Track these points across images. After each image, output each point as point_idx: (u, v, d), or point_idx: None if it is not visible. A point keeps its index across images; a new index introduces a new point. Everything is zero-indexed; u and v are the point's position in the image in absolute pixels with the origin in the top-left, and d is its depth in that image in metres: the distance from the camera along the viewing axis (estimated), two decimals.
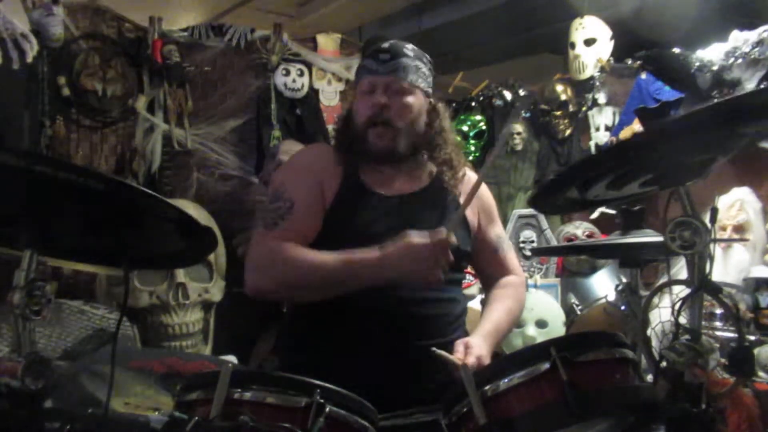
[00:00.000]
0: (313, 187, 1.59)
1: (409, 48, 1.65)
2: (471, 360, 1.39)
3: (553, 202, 1.43)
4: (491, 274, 1.76)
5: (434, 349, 1.38)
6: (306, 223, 1.55)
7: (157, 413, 1.47)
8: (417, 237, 1.40)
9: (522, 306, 1.75)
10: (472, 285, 3.28)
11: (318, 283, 1.47)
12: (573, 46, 3.80)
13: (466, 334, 1.68)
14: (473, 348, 1.43)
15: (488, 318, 1.61)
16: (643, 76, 3.54)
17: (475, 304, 2.64)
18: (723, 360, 1.27)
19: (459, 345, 1.44)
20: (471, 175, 1.75)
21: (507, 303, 1.68)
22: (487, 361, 1.43)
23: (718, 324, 2.10)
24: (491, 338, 1.52)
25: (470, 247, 1.69)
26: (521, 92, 4.13)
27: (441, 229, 1.40)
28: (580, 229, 3.57)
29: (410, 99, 1.61)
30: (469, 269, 1.99)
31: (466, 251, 1.66)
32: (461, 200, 1.67)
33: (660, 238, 1.34)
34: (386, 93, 1.59)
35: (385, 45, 1.64)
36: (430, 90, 1.68)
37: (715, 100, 1.11)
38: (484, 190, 1.76)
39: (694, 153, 1.21)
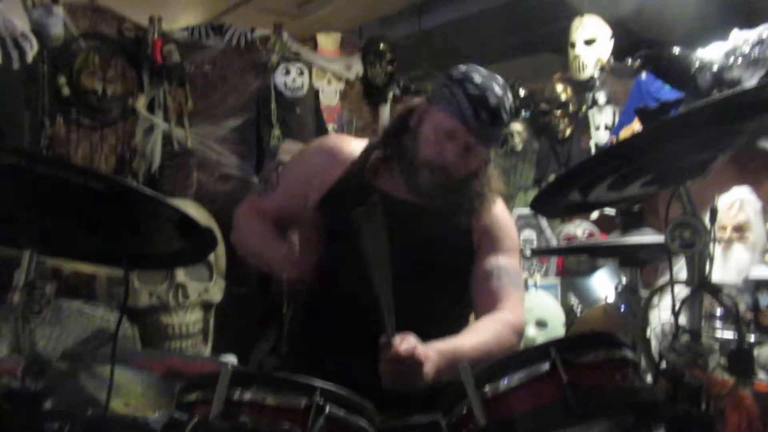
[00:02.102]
0: (300, 178, 1.67)
1: (506, 111, 1.50)
2: (408, 343, 1.27)
3: (554, 205, 1.43)
4: (481, 303, 1.60)
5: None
6: (279, 207, 1.68)
7: (157, 413, 1.47)
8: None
9: (502, 347, 1.47)
10: None
11: (247, 251, 1.70)
12: (573, 46, 3.80)
13: None
14: (413, 340, 1.30)
15: (451, 340, 1.43)
16: (643, 76, 3.54)
17: None
18: (723, 360, 1.27)
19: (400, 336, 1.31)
20: (498, 211, 1.66)
21: (481, 335, 1.48)
22: (427, 362, 1.29)
23: (718, 324, 2.09)
24: (439, 356, 1.34)
25: (470, 261, 1.64)
26: (521, 92, 4.13)
27: None
28: (580, 229, 3.57)
29: (476, 160, 1.55)
30: None
31: (462, 263, 1.62)
32: (474, 231, 1.62)
33: (660, 238, 1.34)
34: (461, 146, 1.50)
35: (492, 100, 1.47)
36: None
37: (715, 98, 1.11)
38: (503, 219, 1.67)
39: (694, 151, 1.21)
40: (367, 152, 1.64)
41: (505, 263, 1.61)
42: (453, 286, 1.61)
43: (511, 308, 1.56)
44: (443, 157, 1.50)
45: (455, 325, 1.58)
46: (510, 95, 1.54)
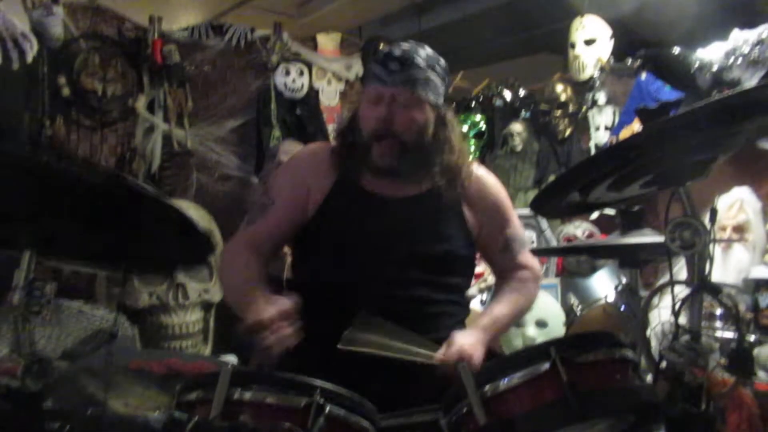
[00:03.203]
0: (297, 188, 1.61)
1: (422, 56, 1.55)
2: (451, 350, 1.39)
3: (554, 205, 1.43)
4: (501, 269, 1.74)
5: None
6: (280, 222, 1.60)
7: (157, 413, 1.47)
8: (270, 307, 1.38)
9: (531, 300, 1.72)
10: (473, 285, 3.27)
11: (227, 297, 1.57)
12: (573, 46, 3.80)
13: None
14: (455, 344, 1.42)
15: (488, 312, 1.61)
16: (643, 76, 3.54)
17: (474, 305, 2.64)
18: (723, 360, 1.27)
19: (444, 346, 1.43)
20: (481, 175, 1.70)
21: (512, 297, 1.66)
22: (475, 354, 1.41)
23: (718, 324, 2.10)
24: (485, 333, 1.51)
25: (469, 250, 1.66)
26: (521, 92, 4.14)
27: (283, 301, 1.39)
28: (579, 229, 3.57)
29: (417, 112, 1.55)
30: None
31: (462, 255, 1.63)
32: (464, 203, 1.65)
33: (660, 238, 1.34)
34: (392, 105, 1.54)
35: (397, 52, 1.54)
36: (440, 100, 1.60)
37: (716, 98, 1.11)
38: (493, 188, 1.71)
39: (694, 151, 1.21)
40: (347, 157, 1.64)
41: (512, 231, 1.73)
42: (451, 274, 1.62)
43: (527, 265, 1.72)
44: (378, 121, 1.54)
45: (457, 310, 1.60)
46: (429, 50, 1.58)
